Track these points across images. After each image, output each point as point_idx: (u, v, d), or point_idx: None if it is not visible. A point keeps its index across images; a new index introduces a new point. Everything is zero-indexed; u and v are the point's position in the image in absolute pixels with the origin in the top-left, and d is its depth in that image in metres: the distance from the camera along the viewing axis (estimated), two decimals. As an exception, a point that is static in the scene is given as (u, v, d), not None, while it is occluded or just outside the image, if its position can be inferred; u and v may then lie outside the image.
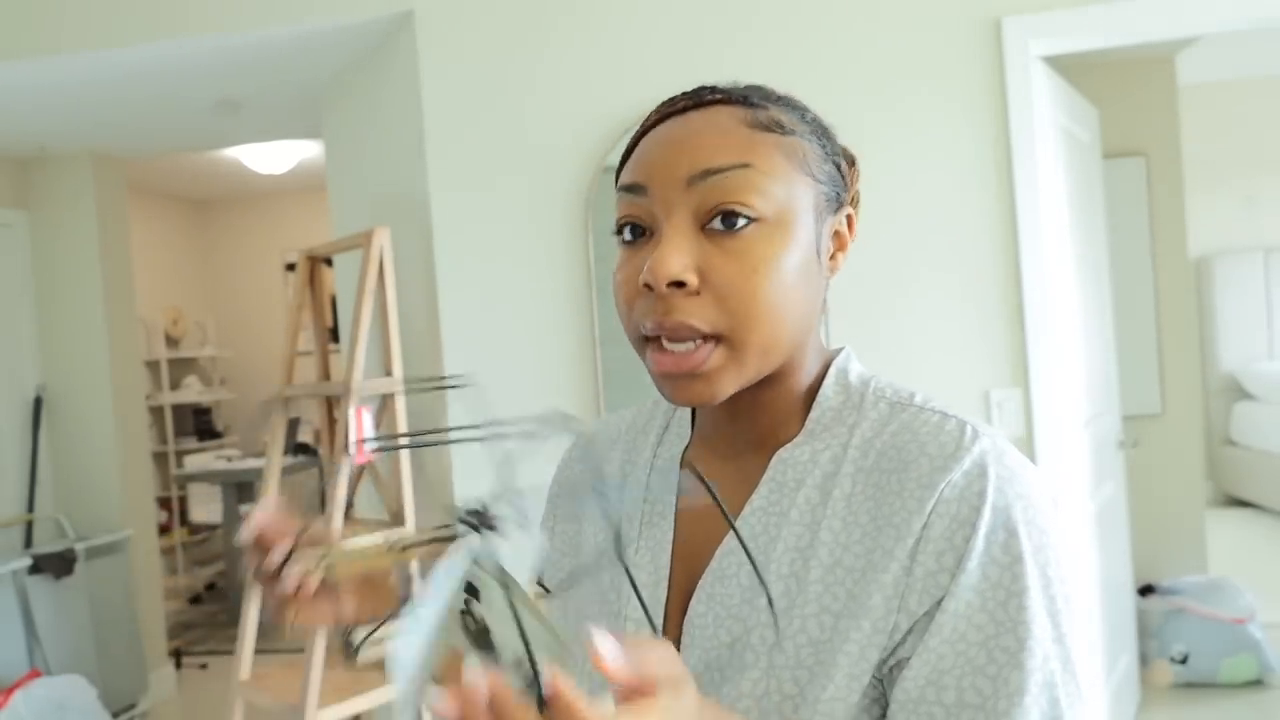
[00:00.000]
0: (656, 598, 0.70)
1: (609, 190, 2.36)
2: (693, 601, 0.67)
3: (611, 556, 0.75)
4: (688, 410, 0.77)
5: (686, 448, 0.76)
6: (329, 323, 2.87)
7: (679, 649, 0.67)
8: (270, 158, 4.99)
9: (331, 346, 2.92)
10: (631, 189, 0.67)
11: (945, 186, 2.27)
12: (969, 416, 0.66)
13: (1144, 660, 3.37)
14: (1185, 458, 3.84)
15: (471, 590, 0.49)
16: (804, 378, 0.71)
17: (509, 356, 2.42)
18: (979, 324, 2.29)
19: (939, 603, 0.59)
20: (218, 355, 6.30)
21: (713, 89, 0.68)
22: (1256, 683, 3.28)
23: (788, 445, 0.69)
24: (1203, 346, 6.02)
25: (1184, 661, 3.29)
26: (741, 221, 0.63)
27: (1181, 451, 3.83)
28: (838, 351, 0.73)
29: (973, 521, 0.60)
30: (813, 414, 0.69)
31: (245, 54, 2.71)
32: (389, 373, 2.45)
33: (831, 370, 0.71)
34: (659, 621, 0.69)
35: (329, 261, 2.77)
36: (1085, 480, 2.62)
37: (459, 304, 2.43)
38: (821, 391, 0.70)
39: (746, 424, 0.71)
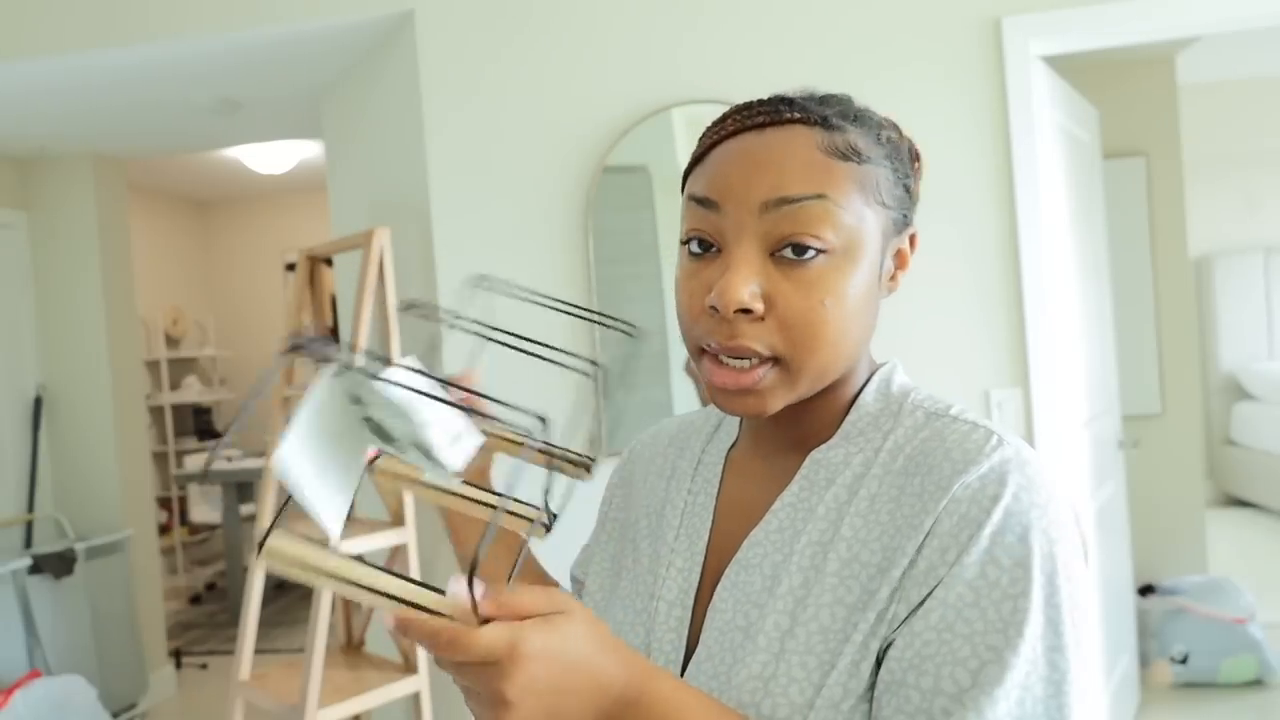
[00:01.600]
0: (690, 582, 0.73)
1: (609, 190, 2.38)
2: (718, 588, 0.70)
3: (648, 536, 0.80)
4: None
5: (732, 446, 0.79)
6: (329, 323, 2.86)
7: (702, 631, 0.70)
8: (270, 158, 4.98)
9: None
10: (704, 203, 0.67)
11: (945, 186, 2.27)
12: (999, 428, 0.67)
13: (1144, 660, 3.37)
14: (1185, 458, 3.84)
15: (360, 402, 0.56)
16: (853, 388, 0.73)
17: (509, 356, 2.42)
18: (979, 324, 2.29)
19: (933, 591, 0.61)
20: (218, 355, 6.30)
21: (790, 103, 0.68)
22: (1256, 683, 3.28)
23: (822, 446, 0.71)
24: (1203, 346, 6.02)
25: (1184, 661, 3.29)
26: (811, 253, 0.64)
27: (1181, 451, 3.83)
28: (885, 362, 0.76)
29: (980, 521, 0.61)
30: (850, 417, 0.72)
31: (245, 54, 2.71)
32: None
33: (875, 379, 0.74)
34: (689, 603, 0.72)
35: (329, 261, 2.77)
36: (1085, 480, 2.62)
37: (459, 304, 2.43)
38: (861, 397, 0.72)
39: (790, 427, 0.74)
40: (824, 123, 0.67)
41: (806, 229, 0.64)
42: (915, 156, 0.75)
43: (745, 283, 0.64)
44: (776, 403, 0.67)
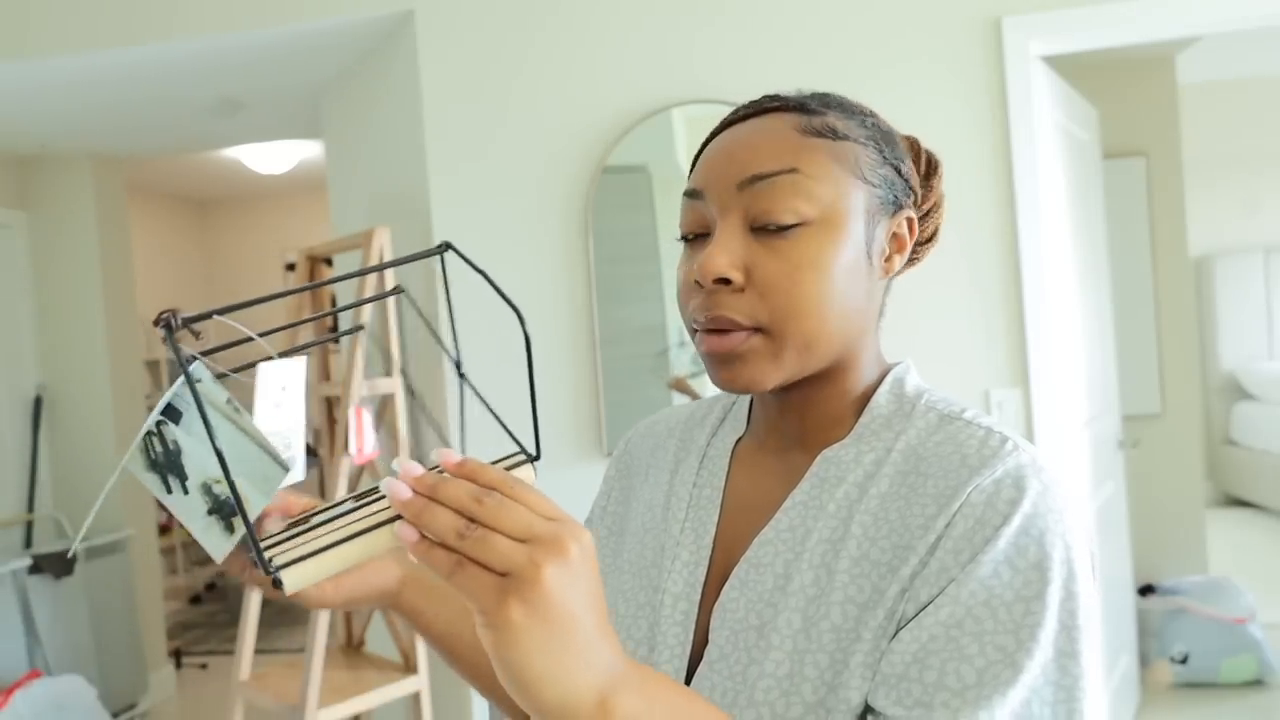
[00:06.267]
0: (696, 576, 0.72)
1: (609, 190, 2.38)
2: (726, 586, 0.69)
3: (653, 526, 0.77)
4: (745, 404, 0.80)
5: (739, 440, 0.78)
6: (329, 323, 2.87)
7: (710, 629, 0.69)
8: (270, 158, 4.98)
9: (331, 347, 2.92)
10: (692, 194, 0.71)
11: (945, 186, 2.27)
12: (1014, 433, 0.67)
13: (1144, 660, 3.37)
14: (1185, 458, 3.84)
15: (172, 415, 0.47)
16: (857, 381, 0.73)
17: (509, 357, 2.42)
18: (979, 324, 2.29)
19: (944, 589, 0.60)
20: (217, 355, 6.30)
21: (774, 97, 0.71)
22: (1256, 683, 3.28)
23: (834, 445, 0.71)
24: (1203, 346, 6.02)
25: (1184, 661, 3.29)
26: (788, 225, 0.66)
27: (1181, 451, 3.83)
28: (898, 363, 0.75)
29: (997, 525, 0.60)
30: (863, 418, 0.71)
31: (245, 54, 2.71)
32: (389, 373, 2.45)
33: (888, 378, 0.73)
34: (695, 597, 0.71)
35: (329, 261, 2.77)
36: (1085, 480, 2.62)
37: (459, 304, 2.43)
38: (875, 398, 0.72)
39: (796, 421, 0.73)
40: (801, 108, 0.70)
41: (780, 203, 0.66)
42: (932, 167, 0.78)
43: (724, 254, 0.66)
44: (765, 372, 0.67)
